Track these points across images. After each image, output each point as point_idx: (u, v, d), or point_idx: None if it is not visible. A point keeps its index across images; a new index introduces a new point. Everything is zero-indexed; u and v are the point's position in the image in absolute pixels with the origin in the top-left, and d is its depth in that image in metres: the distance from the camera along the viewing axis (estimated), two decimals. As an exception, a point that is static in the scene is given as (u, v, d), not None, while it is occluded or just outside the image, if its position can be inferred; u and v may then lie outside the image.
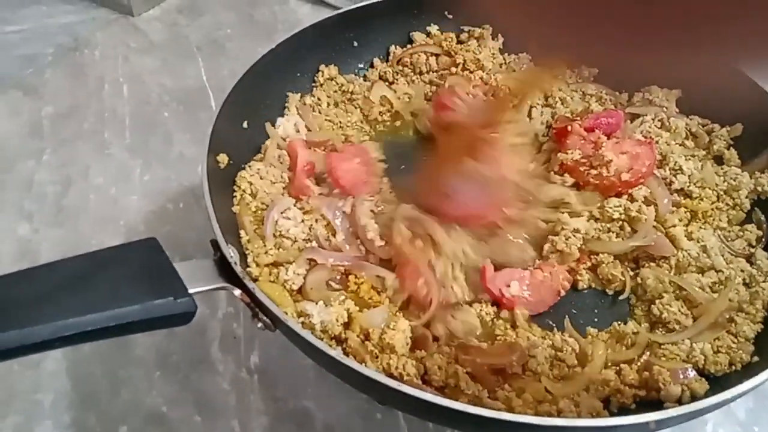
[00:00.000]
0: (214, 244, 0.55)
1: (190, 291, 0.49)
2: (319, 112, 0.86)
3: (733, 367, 0.61)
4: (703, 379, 0.60)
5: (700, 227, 0.74)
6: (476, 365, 0.60)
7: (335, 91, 0.89)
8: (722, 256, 0.70)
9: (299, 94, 0.86)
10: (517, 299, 0.66)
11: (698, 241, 0.72)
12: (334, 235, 0.70)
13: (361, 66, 0.93)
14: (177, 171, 0.95)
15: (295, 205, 0.72)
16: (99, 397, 0.72)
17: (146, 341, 0.75)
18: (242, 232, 0.67)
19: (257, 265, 0.65)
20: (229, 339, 0.76)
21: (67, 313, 0.43)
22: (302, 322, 0.59)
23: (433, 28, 0.95)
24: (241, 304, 0.77)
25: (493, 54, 0.93)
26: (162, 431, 0.69)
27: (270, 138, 0.80)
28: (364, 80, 0.92)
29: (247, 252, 0.65)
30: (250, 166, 0.75)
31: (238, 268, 0.53)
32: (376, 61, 0.93)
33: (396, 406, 0.61)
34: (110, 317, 0.44)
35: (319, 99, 0.87)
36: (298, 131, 0.82)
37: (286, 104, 0.84)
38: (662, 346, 0.64)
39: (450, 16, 0.96)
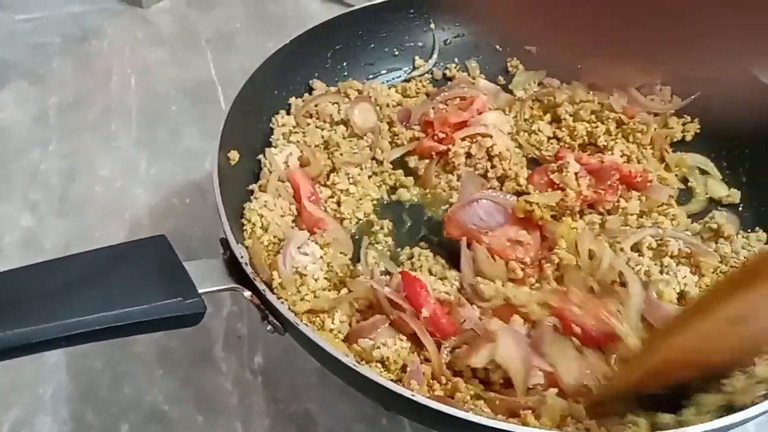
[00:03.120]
0: (224, 242, 0.54)
1: (200, 291, 0.48)
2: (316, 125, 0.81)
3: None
4: None
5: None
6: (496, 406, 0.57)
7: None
8: None
9: (301, 100, 0.83)
10: None
11: None
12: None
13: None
14: (183, 165, 0.93)
15: (310, 239, 0.67)
16: (100, 393, 0.71)
17: (148, 337, 0.74)
18: (275, 274, 0.62)
19: (295, 314, 0.58)
20: (233, 339, 0.75)
21: (74, 312, 0.42)
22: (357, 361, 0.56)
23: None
24: (246, 304, 0.77)
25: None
26: (163, 429, 0.68)
27: (265, 170, 0.75)
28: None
29: (280, 299, 0.59)
30: (256, 198, 0.70)
31: (248, 269, 0.52)
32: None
33: (408, 415, 0.60)
34: (118, 317, 0.43)
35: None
36: (287, 166, 0.76)
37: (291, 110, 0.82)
38: None
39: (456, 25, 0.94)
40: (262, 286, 0.52)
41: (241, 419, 0.69)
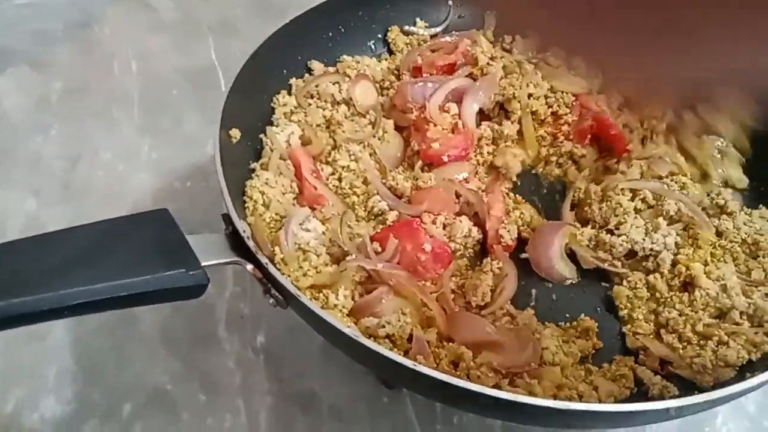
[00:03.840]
0: (226, 218, 0.55)
1: (203, 264, 0.48)
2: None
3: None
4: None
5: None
6: (493, 369, 0.59)
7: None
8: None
9: (302, 80, 0.83)
10: None
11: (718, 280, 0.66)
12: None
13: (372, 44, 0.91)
14: (186, 149, 0.94)
15: (311, 216, 0.68)
16: (103, 372, 0.71)
17: (152, 318, 0.75)
18: (277, 249, 0.61)
19: (299, 290, 0.57)
20: (236, 318, 0.75)
21: (77, 281, 0.42)
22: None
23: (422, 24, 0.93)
24: (248, 284, 0.77)
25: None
26: (166, 409, 0.69)
27: (267, 148, 0.75)
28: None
29: (283, 275, 0.58)
30: (258, 176, 0.70)
31: (250, 243, 0.53)
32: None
33: (409, 386, 0.61)
34: (121, 287, 0.43)
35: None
36: (289, 144, 0.75)
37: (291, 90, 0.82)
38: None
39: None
40: (264, 260, 0.52)
41: (243, 398, 0.70)
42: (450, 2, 0.93)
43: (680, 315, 0.64)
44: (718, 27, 0.25)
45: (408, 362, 0.46)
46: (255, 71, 0.71)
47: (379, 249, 0.66)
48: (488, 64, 0.80)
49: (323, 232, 0.67)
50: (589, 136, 0.80)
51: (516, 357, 0.60)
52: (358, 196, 0.74)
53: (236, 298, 0.77)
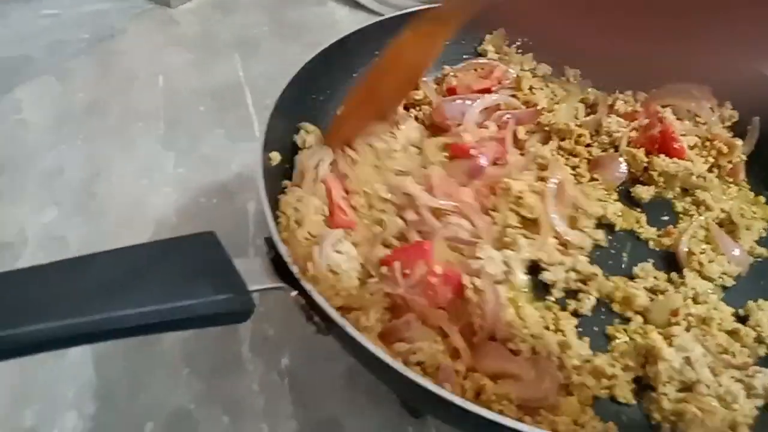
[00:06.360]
0: (269, 242, 0.54)
1: (250, 289, 0.47)
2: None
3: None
4: None
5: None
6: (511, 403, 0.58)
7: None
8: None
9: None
10: None
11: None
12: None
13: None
14: (210, 166, 0.93)
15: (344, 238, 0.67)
16: (124, 391, 0.70)
17: (174, 336, 0.74)
18: (309, 266, 0.61)
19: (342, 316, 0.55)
20: (260, 340, 0.75)
21: (125, 304, 0.41)
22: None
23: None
24: (273, 305, 0.77)
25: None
26: (188, 430, 0.68)
27: (298, 171, 0.74)
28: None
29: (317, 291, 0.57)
30: (291, 191, 0.70)
31: (294, 268, 0.52)
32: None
33: (443, 417, 0.60)
34: (169, 311, 0.42)
35: None
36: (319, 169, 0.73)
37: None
38: None
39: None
40: (308, 286, 0.51)
41: (268, 422, 0.69)
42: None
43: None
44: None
45: (447, 394, 0.46)
46: (294, 94, 0.71)
47: (406, 272, 0.65)
48: (531, 90, 0.82)
49: (354, 255, 0.66)
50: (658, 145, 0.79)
51: (534, 389, 0.59)
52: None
53: (261, 319, 0.76)
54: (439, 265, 0.65)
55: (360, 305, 0.62)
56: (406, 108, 0.86)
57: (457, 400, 0.45)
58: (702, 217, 0.75)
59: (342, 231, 0.67)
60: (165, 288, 0.43)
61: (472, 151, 0.74)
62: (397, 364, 0.46)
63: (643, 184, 0.79)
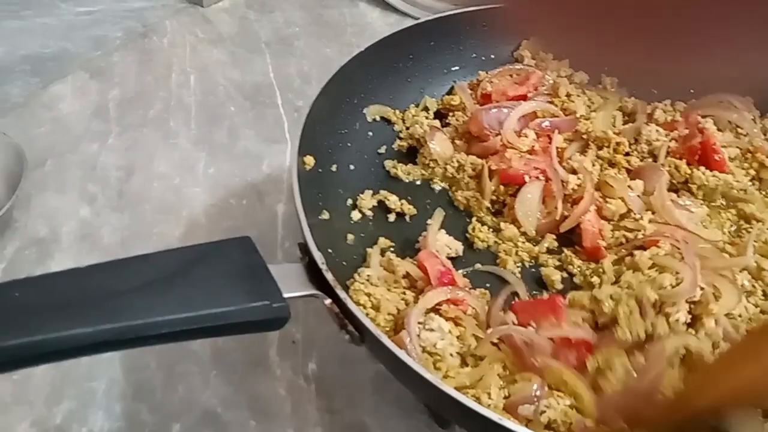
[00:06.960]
0: (303, 247, 0.53)
1: (285, 296, 0.47)
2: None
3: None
4: None
5: None
6: None
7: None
8: None
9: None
10: None
11: None
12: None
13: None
14: (241, 166, 0.93)
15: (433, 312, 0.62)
16: (152, 390, 0.71)
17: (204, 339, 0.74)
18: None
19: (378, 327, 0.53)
20: (288, 343, 0.74)
21: (162, 309, 0.41)
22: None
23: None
24: (302, 309, 0.76)
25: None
26: (216, 432, 0.68)
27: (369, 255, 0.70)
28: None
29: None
30: (359, 274, 0.65)
31: (329, 276, 0.51)
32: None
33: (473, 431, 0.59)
34: (204, 318, 0.42)
35: None
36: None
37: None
38: None
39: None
40: (342, 294, 0.51)
41: (294, 427, 0.68)
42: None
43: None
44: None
45: (486, 411, 0.45)
46: (329, 98, 0.71)
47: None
48: (568, 97, 0.80)
49: (449, 330, 0.60)
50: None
51: None
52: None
53: (289, 323, 0.75)
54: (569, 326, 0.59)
55: (471, 384, 0.57)
56: (440, 115, 0.85)
57: (494, 416, 0.45)
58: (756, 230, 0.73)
59: (423, 306, 0.61)
60: (200, 295, 0.43)
61: (526, 178, 0.73)
62: (436, 380, 0.46)
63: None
